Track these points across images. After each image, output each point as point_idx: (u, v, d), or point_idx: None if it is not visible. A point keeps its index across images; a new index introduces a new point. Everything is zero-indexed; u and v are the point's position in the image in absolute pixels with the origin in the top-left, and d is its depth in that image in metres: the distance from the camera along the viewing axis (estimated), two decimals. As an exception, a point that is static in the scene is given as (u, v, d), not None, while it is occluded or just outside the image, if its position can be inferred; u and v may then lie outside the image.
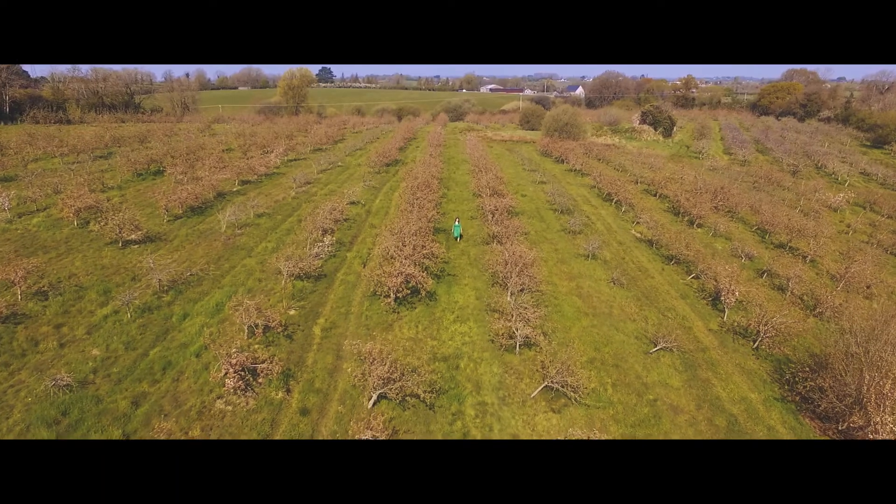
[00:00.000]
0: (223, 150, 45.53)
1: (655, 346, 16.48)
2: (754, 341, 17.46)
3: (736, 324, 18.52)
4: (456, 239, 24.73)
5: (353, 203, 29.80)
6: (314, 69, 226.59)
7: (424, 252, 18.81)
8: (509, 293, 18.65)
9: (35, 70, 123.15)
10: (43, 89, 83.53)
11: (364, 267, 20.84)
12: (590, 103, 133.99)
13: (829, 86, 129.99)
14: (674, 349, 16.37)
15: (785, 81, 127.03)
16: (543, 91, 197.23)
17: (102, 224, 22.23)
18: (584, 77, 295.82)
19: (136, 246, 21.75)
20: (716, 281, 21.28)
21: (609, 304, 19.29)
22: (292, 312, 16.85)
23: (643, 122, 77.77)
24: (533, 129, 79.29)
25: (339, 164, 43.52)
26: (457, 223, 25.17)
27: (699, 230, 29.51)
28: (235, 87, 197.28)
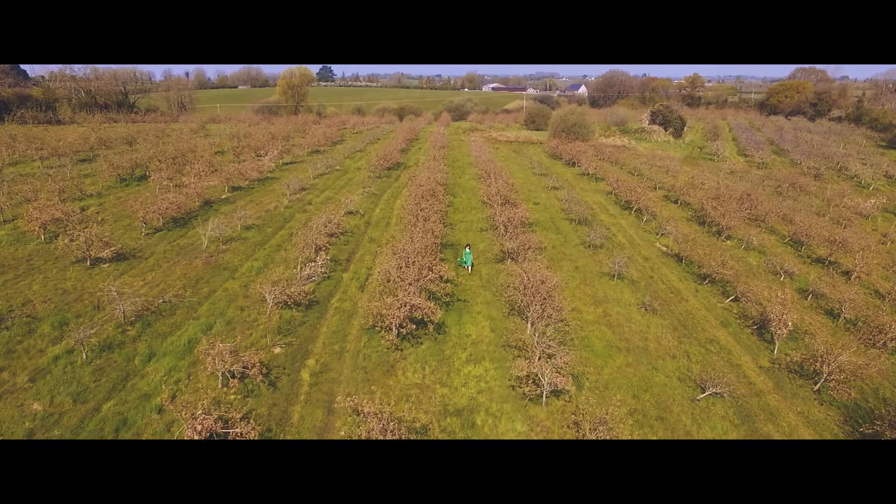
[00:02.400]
0: (214, 153, 43.08)
1: (703, 391, 14.02)
2: (814, 381, 15.02)
3: (790, 359, 16.05)
4: (466, 269, 20.89)
5: (350, 213, 27.33)
6: (314, 68, 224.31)
7: (431, 277, 16.33)
8: (529, 323, 16.20)
9: (34, 69, 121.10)
10: (32, 88, 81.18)
11: (362, 291, 18.37)
12: (594, 102, 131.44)
13: (837, 84, 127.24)
14: (725, 395, 13.92)
15: (793, 80, 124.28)
16: (546, 90, 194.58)
17: (70, 239, 19.79)
18: (585, 76, 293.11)
19: (107, 265, 19.32)
20: (759, 304, 18.87)
21: (643, 336, 16.82)
22: (277, 351, 14.39)
23: (653, 121, 75.15)
24: (539, 130, 76.82)
25: (338, 167, 41.07)
26: (467, 250, 21.11)
27: (729, 242, 27.02)
28: (235, 86, 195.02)
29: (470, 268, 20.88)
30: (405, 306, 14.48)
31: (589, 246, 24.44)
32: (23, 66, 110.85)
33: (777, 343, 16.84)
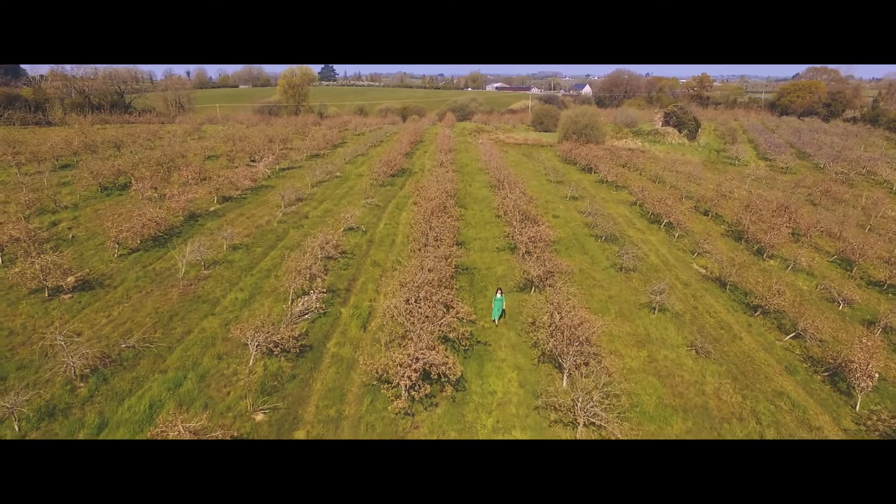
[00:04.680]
0: (206, 158, 40.41)
1: (788, 470, 11.27)
2: (915, 451, 12.25)
3: (878, 420, 13.29)
4: (494, 322, 16.64)
5: (351, 229, 24.59)
6: (316, 67, 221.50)
7: (448, 319, 13.57)
8: (565, 375, 13.48)
9: (36, 69, 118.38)
10: (22, 88, 78.54)
11: (364, 331, 15.63)
12: (600, 102, 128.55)
13: (850, 84, 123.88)
14: (814, 474, 11.16)
15: (804, 80, 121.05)
16: (550, 89, 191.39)
17: (28, 264, 17.11)
18: (588, 75, 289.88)
19: (68, 296, 16.62)
20: (823, 342, 16.20)
21: (700, 389, 14.05)
22: (259, 418, 11.65)
23: (666, 123, 72.26)
24: (547, 131, 74.03)
25: (338, 173, 38.34)
26: (498, 295, 16.63)
27: (772, 262, 24.22)
28: (236, 86, 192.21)
29: (498, 320, 16.67)
30: (418, 361, 11.75)
31: (620, 269, 21.65)
32: (23, 66, 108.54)
33: (859, 397, 14.08)
